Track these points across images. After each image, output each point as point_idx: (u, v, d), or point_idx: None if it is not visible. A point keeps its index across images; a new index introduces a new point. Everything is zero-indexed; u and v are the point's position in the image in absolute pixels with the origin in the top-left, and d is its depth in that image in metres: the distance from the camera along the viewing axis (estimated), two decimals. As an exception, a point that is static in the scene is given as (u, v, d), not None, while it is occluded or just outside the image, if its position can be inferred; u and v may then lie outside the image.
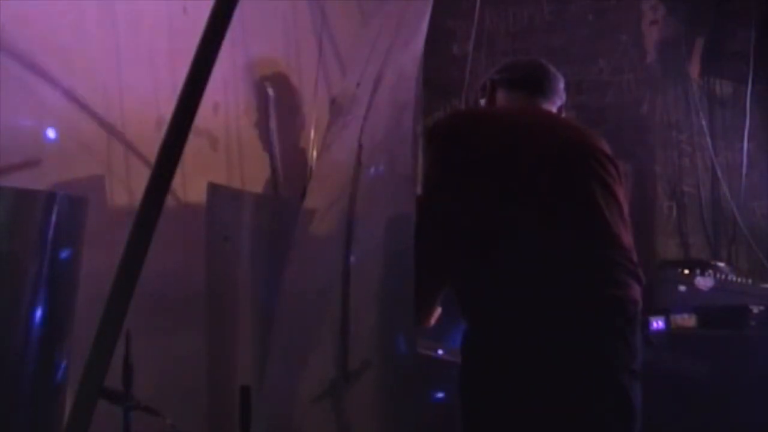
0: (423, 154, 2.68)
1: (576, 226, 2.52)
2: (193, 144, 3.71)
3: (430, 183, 2.63)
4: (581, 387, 2.42)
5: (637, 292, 2.51)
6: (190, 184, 3.64)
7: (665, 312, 3.69)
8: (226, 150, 3.96)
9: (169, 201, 1.65)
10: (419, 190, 2.66)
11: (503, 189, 2.54)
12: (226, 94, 3.93)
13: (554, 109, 2.86)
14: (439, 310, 2.72)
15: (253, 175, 4.05)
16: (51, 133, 3.32)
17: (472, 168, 2.57)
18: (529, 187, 2.53)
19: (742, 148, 4.89)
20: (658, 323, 3.65)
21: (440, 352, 3.02)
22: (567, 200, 2.54)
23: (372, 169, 2.67)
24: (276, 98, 4.08)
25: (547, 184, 2.54)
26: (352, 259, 2.59)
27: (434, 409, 3.08)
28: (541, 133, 2.67)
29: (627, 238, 2.57)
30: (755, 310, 3.61)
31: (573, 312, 2.42)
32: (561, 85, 2.89)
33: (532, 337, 2.41)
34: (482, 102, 2.95)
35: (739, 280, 4.05)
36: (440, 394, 3.14)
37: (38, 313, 2.52)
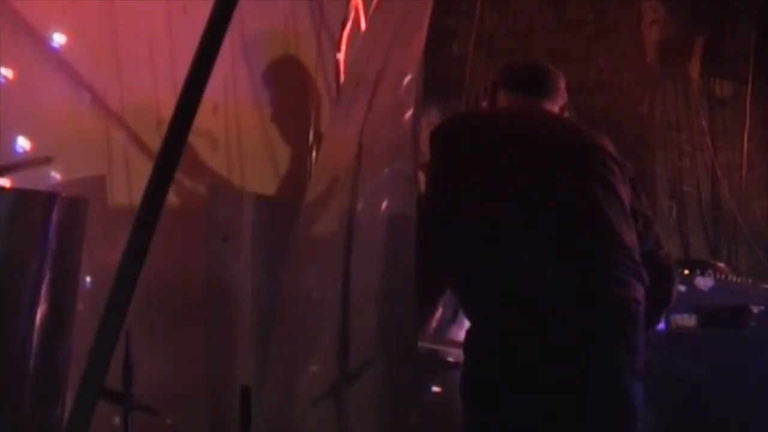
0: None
1: (578, 226, 2.52)
2: (193, 144, 3.73)
3: (431, 185, 2.64)
4: (582, 386, 2.42)
5: (639, 291, 2.51)
6: (190, 184, 3.64)
7: (665, 312, 3.68)
8: (226, 150, 3.96)
9: (169, 201, 1.64)
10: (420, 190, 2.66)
11: (504, 189, 2.54)
12: (226, 94, 3.93)
13: (556, 109, 2.85)
14: (439, 312, 2.72)
15: (253, 175, 4.05)
16: (51, 134, 3.32)
17: (473, 169, 2.57)
18: (530, 187, 2.54)
19: (742, 148, 4.89)
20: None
21: (446, 353, 3.01)
22: (568, 200, 2.54)
23: (372, 169, 2.67)
24: (277, 97, 4.09)
25: (548, 184, 2.54)
26: (353, 258, 2.59)
27: (436, 408, 3.07)
28: (542, 133, 2.68)
29: (630, 237, 2.56)
30: (755, 310, 3.60)
31: (575, 311, 2.42)
32: (562, 84, 2.89)
33: (534, 337, 2.41)
34: (484, 104, 2.95)
35: (739, 280, 4.05)
36: (442, 393, 3.14)
37: (38, 313, 2.52)
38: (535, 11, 5.02)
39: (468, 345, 2.53)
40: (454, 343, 2.86)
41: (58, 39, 3.33)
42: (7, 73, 3.17)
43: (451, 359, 2.96)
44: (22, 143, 3.21)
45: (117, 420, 2.57)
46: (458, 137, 2.69)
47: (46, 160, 3.20)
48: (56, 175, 3.28)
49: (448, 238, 2.54)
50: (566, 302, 2.42)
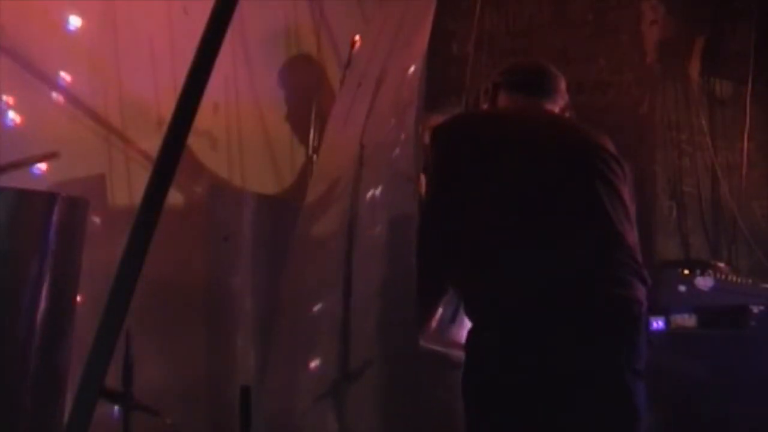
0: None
1: (580, 226, 2.52)
2: (193, 144, 3.74)
3: (432, 185, 2.65)
4: (585, 387, 2.42)
5: (641, 292, 2.51)
6: (190, 184, 3.64)
7: (665, 312, 3.68)
8: (226, 150, 3.96)
9: (169, 201, 1.64)
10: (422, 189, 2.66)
11: (505, 189, 2.54)
12: (227, 94, 3.93)
13: (557, 110, 2.86)
14: (439, 312, 2.72)
15: (253, 174, 4.06)
16: (51, 134, 3.32)
17: (474, 169, 2.57)
18: (531, 186, 2.54)
19: (742, 148, 4.89)
20: (658, 323, 3.64)
21: (446, 353, 3.01)
22: (571, 199, 2.54)
23: (374, 169, 2.67)
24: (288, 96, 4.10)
25: (550, 184, 2.54)
26: (354, 258, 2.59)
27: (436, 408, 3.07)
28: (544, 132, 2.68)
29: (632, 237, 2.56)
30: (755, 310, 3.60)
31: (577, 311, 2.42)
32: (563, 85, 2.89)
33: (536, 337, 2.41)
34: (485, 105, 2.95)
35: (739, 280, 4.05)
36: (443, 393, 3.14)
37: (38, 313, 2.52)
38: (535, 11, 5.01)
39: (470, 345, 2.53)
40: (454, 344, 2.86)
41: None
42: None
43: (451, 359, 2.96)
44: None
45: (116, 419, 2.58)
46: (459, 137, 2.69)
47: (53, 155, 3.20)
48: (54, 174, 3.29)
49: (450, 238, 2.54)
50: (568, 302, 2.42)
